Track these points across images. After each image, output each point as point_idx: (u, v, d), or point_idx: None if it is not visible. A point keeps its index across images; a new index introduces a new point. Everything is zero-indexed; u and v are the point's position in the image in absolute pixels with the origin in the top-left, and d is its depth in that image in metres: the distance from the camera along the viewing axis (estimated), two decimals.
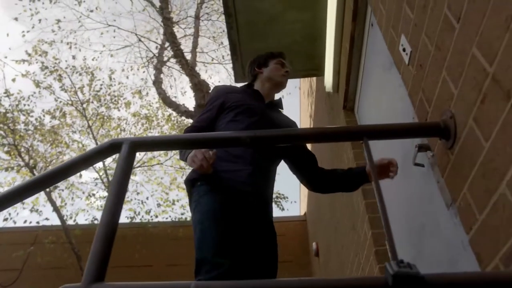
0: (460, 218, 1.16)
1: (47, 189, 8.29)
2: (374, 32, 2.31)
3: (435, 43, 1.25)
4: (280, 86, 2.02)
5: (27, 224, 8.25)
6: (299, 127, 2.04)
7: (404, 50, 1.53)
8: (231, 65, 4.03)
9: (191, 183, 1.67)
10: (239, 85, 2.34)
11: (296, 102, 9.12)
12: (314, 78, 5.15)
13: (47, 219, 8.14)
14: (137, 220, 9.08)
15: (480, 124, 1.00)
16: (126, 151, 1.22)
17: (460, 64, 1.09)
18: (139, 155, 9.83)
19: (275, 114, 1.93)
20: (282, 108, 2.04)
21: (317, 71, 3.77)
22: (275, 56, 2.06)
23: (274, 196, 9.41)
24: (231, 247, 1.40)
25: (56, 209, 8.14)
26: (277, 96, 2.10)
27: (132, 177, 9.81)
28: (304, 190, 8.82)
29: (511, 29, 0.84)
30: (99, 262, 0.99)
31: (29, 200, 8.90)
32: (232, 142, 1.23)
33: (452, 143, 1.16)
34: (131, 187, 12.18)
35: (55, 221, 8.18)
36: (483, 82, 0.97)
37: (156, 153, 9.31)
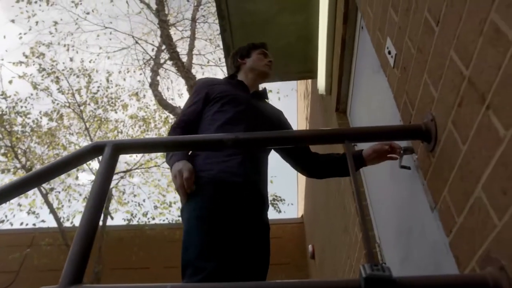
0: (441, 221, 1.16)
1: (44, 192, 8.29)
2: (364, 35, 2.31)
3: (417, 46, 1.26)
4: (264, 76, 2.00)
5: (23, 226, 8.24)
6: (287, 118, 2.02)
7: (389, 53, 1.54)
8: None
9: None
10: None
11: (293, 104, 9.14)
12: (310, 80, 5.16)
13: (43, 221, 8.13)
14: (134, 222, 9.07)
15: (458, 127, 1.01)
16: (108, 154, 1.22)
17: (439, 67, 1.09)
18: (136, 157, 9.83)
19: (261, 103, 1.91)
20: (267, 98, 2.03)
21: (311, 73, 3.77)
22: (257, 46, 2.05)
23: (271, 198, 9.39)
24: (217, 249, 1.36)
25: (53, 211, 8.13)
26: (261, 87, 2.08)
27: (129, 179, 9.86)
28: (302, 192, 8.82)
29: (484, 33, 0.85)
30: (77, 264, 0.99)
31: (26, 202, 8.91)
32: (215, 145, 1.23)
33: (433, 146, 1.17)
34: (128, 189, 12.17)
35: (51, 223, 8.18)
36: (460, 85, 0.97)
37: (153, 155, 9.31)
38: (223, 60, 9.63)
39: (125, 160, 10.01)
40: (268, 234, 1.66)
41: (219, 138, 1.18)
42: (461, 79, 0.97)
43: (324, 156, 1.82)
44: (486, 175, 0.87)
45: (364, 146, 1.72)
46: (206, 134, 1.51)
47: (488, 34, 0.83)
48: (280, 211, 9.09)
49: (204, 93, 1.82)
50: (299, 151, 1.84)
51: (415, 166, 1.54)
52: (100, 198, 1.13)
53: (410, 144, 1.47)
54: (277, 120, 1.91)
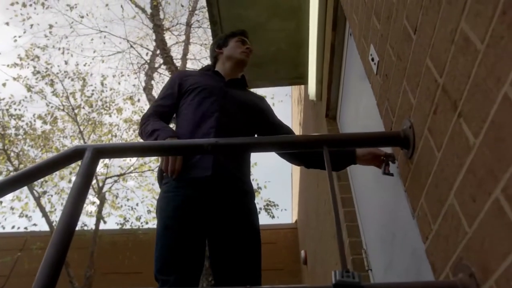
0: (419, 228, 1.17)
1: (37, 195, 8.24)
2: (353, 41, 2.33)
3: (397, 53, 1.27)
4: (241, 64, 1.94)
5: (15, 230, 8.19)
6: (269, 105, 1.96)
7: (372, 60, 1.55)
8: None
9: (160, 179, 1.63)
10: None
11: (288, 109, 9.16)
12: (303, 86, 5.18)
13: (35, 224, 8.08)
14: (127, 226, 9.04)
15: (433, 134, 1.01)
16: (88, 158, 1.21)
17: (417, 74, 1.10)
18: (130, 161, 9.80)
19: (237, 92, 1.84)
20: (246, 86, 1.97)
21: (302, 79, 3.79)
22: (235, 34, 1.99)
23: (264, 203, 9.32)
24: (178, 259, 1.37)
25: (45, 215, 8.09)
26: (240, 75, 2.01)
27: (123, 183, 9.83)
28: (296, 198, 8.81)
29: (455, 41, 0.86)
30: (50, 269, 0.98)
31: (18, 206, 8.86)
32: (195, 150, 1.23)
33: (411, 152, 1.17)
34: (121, 193, 12.13)
35: (44, 226, 8.14)
36: (435, 92, 0.98)
37: (147, 159, 9.30)
38: None
39: (119, 164, 9.99)
40: (253, 222, 1.59)
41: (199, 143, 1.18)
42: (435, 86, 0.98)
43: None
44: (458, 182, 0.88)
45: None
46: (187, 139, 1.50)
47: (459, 43, 0.84)
48: (273, 217, 9.08)
49: (177, 85, 1.80)
50: None
51: (398, 173, 1.55)
52: (78, 203, 1.13)
53: (392, 151, 1.48)
54: (256, 107, 1.84)
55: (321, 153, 1.70)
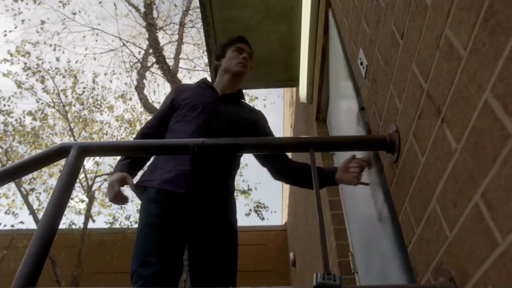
0: (402, 232, 1.17)
1: (24, 192, 8.15)
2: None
3: (385, 58, 1.27)
4: (238, 75, 1.82)
5: (1, 228, 8.09)
6: (266, 121, 1.89)
7: (361, 64, 1.56)
8: None
9: (140, 191, 1.61)
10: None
11: (281, 111, 9.19)
12: (295, 88, 5.20)
13: (22, 222, 7.98)
14: (116, 225, 8.97)
15: (418, 139, 1.02)
16: (74, 156, 1.21)
17: (403, 79, 1.11)
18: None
19: (230, 107, 1.77)
20: (242, 100, 1.89)
21: (294, 81, 3.80)
22: (232, 42, 1.88)
23: (254, 205, 9.30)
24: (160, 254, 1.37)
25: (33, 213, 8.00)
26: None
27: None
28: (286, 200, 8.82)
29: (440, 47, 0.87)
30: (32, 266, 0.97)
31: (5, 202, 8.75)
32: (180, 150, 1.23)
33: (396, 157, 1.18)
34: None
35: (31, 224, 8.05)
36: (420, 98, 0.99)
37: None
38: None
39: (109, 162, 9.93)
40: (231, 236, 1.58)
41: (185, 143, 1.18)
42: (420, 92, 0.99)
43: (296, 164, 1.68)
44: (440, 187, 0.89)
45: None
46: (173, 139, 1.50)
47: (443, 49, 0.85)
48: (263, 218, 9.08)
49: (170, 100, 1.78)
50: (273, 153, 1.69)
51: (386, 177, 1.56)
52: (61, 201, 1.12)
53: (370, 157, 1.49)
54: (246, 122, 1.76)
55: (302, 171, 1.64)
